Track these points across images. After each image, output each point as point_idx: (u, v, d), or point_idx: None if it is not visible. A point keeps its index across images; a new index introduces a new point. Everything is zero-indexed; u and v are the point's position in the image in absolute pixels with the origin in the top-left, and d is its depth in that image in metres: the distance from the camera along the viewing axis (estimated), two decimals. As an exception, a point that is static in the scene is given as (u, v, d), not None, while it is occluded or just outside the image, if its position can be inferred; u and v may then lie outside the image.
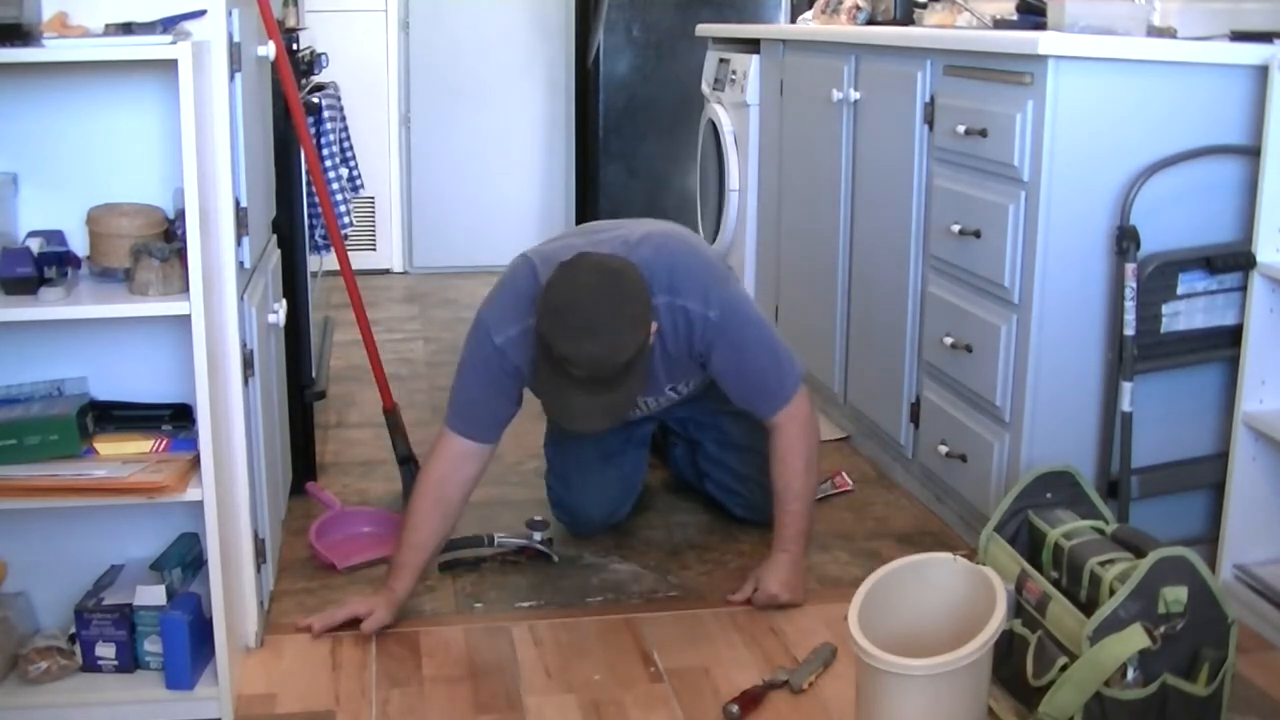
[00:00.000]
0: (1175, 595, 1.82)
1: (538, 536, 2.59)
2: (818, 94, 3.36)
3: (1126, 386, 2.35)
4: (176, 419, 2.08)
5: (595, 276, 2.20)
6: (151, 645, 2.05)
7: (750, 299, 2.52)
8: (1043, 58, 2.29)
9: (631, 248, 2.36)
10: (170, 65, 1.78)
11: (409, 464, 2.84)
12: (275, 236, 2.74)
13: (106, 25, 1.88)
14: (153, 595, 2.05)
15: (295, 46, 3.09)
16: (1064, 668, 1.87)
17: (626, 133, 5.18)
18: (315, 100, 3.04)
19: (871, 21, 3.82)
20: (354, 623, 2.30)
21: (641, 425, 2.75)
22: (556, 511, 2.73)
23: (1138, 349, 2.33)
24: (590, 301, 2.17)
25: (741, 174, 4.02)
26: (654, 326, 2.27)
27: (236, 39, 2.09)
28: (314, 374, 3.02)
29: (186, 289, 1.87)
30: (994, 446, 2.52)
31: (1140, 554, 1.90)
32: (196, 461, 1.93)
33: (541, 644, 2.28)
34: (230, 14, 2.05)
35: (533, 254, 2.41)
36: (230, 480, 2.11)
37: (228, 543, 2.03)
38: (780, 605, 2.39)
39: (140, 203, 2.03)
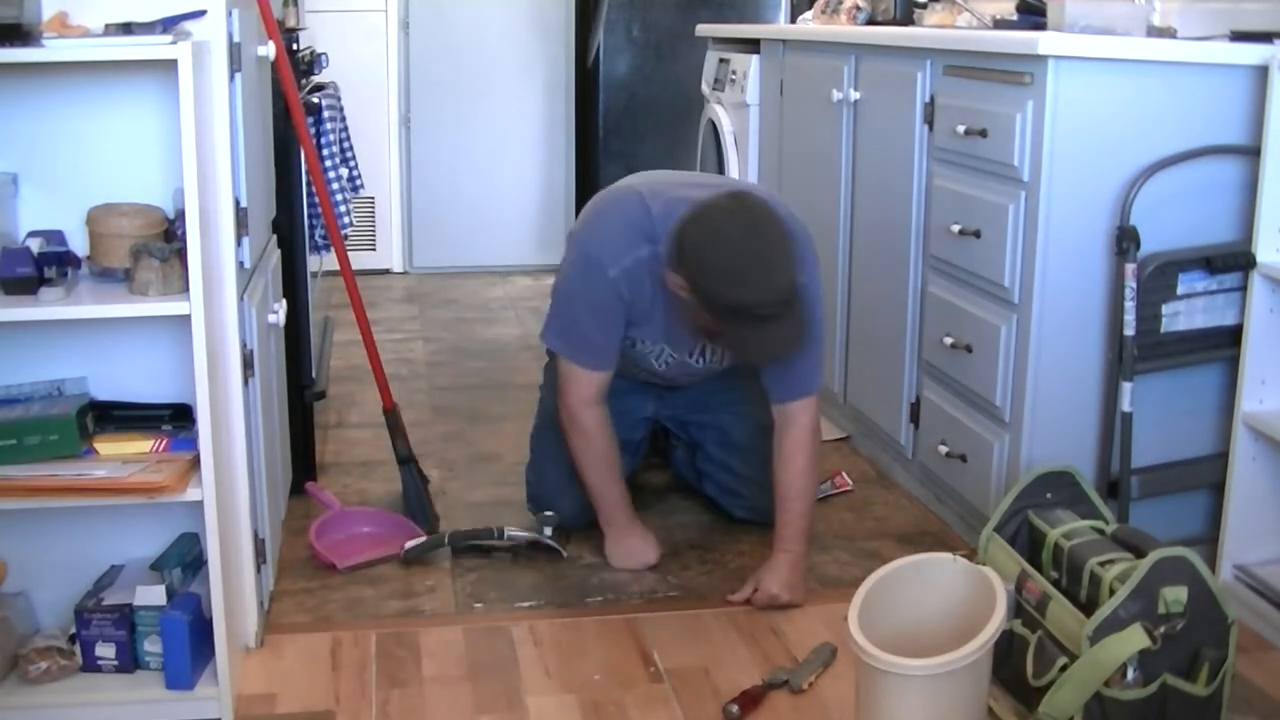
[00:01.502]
0: (1175, 595, 1.82)
1: (548, 531, 2.59)
2: (818, 94, 3.36)
3: (1126, 386, 2.35)
4: (176, 419, 2.08)
5: (735, 221, 2.23)
6: (151, 645, 2.05)
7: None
8: (1043, 58, 2.29)
9: (746, 191, 2.45)
10: (170, 65, 1.78)
11: (409, 464, 2.84)
12: (275, 236, 2.74)
13: (106, 25, 1.88)
14: (153, 595, 2.05)
15: (295, 46, 3.09)
16: (1064, 668, 1.87)
17: (626, 133, 5.18)
18: (315, 100, 3.04)
19: (871, 21, 3.82)
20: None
21: (632, 429, 2.75)
22: (530, 505, 2.73)
23: (1138, 349, 2.33)
24: (751, 243, 2.20)
25: (741, 174, 4.02)
26: None
27: (236, 39, 2.09)
28: (314, 374, 3.02)
29: (186, 289, 1.87)
30: (994, 446, 2.52)
31: (1140, 554, 1.90)
32: (196, 461, 1.93)
33: (541, 644, 2.28)
34: (230, 14, 2.05)
35: (638, 184, 2.48)
36: (230, 480, 2.11)
37: (228, 543, 2.03)
38: (780, 606, 2.40)
39: (140, 203, 2.03)
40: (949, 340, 2.67)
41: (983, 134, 2.50)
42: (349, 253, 2.91)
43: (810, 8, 4.22)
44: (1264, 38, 2.37)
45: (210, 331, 1.92)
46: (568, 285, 2.48)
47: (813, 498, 2.50)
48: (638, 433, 2.78)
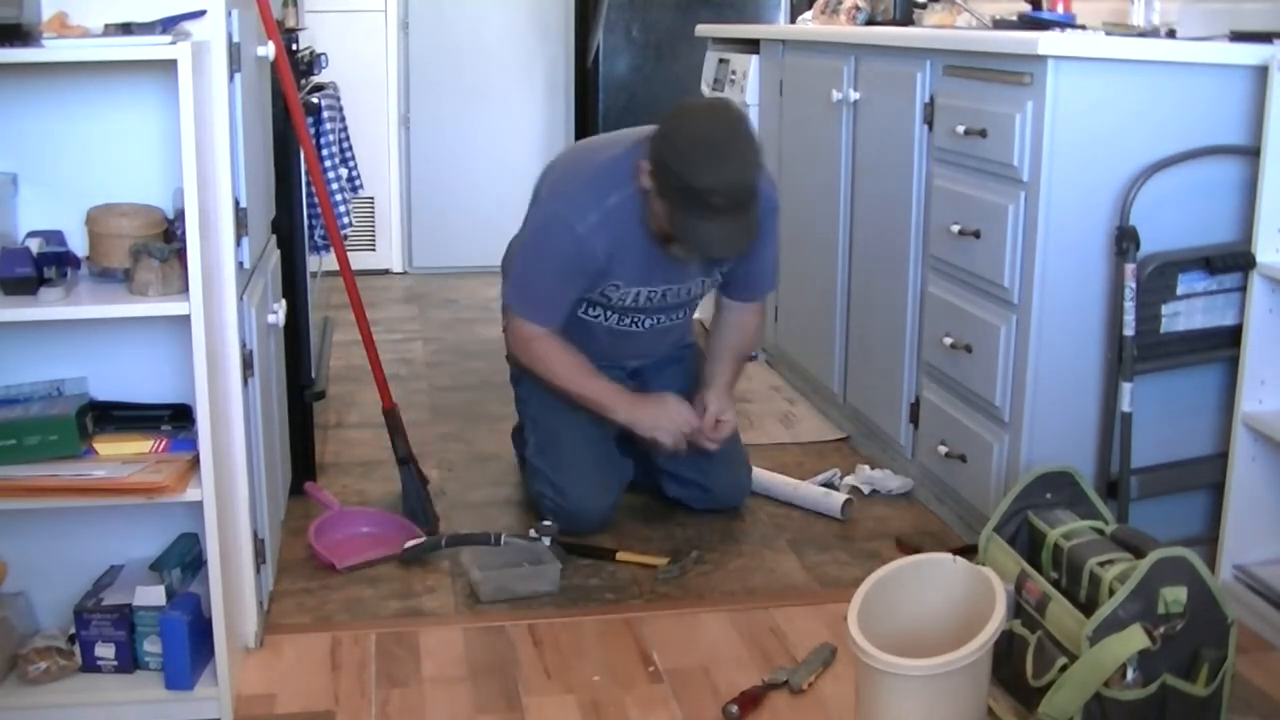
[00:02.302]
0: (1175, 595, 1.82)
1: (546, 540, 2.58)
2: (817, 94, 3.36)
3: (1126, 387, 2.35)
4: (176, 419, 2.08)
5: (710, 113, 2.41)
6: (151, 645, 2.05)
7: None
8: (1042, 58, 2.29)
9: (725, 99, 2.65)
10: (170, 65, 1.78)
11: (408, 464, 2.84)
12: (275, 237, 2.74)
13: (106, 25, 1.88)
14: (152, 595, 2.05)
15: (295, 46, 3.09)
16: (1064, 668, 1.87)
17: (626, 133, 5.17)
18: (315, 100, 3.03)
19: (871, 22, 3.82)
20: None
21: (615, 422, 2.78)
22: (558, 521, 2.71)
23: (1137, 349, 2.33)
24: (718, 132, 2.34)
25: (741, 174, 4.02)
26: None
27: (236, 39, 2.09)
28: (314, 374, 3.02)
29: (186, 289, 1.87)
30: (994, 447, 2.52)
31: (1140, 554, 1.90)
32: (196, 462, 1.93)
33: (541, 644, 2.28)
34: (230, 14, 2.05)
35: (579, 146, 2.70)
36: (230, 480, 2.11)
37: (227, 543, 2.03)
38: (719, 429, 2.66)
39: (140, 203, 2.03)
40: (949, 340, 2.67)
41: (982, 134, 2.50)
42: (348, 253, 2.91)
43: (810, 8, 4.22)
44: (1264, 38, 2.37)
45: (210, 332, 1.92)
46: (531, 242, 2.58)
47: (741, 364, 2.80)
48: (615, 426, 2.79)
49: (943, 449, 2.72)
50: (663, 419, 2.64)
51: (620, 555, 2.59)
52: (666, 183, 2.34)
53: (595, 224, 2.47)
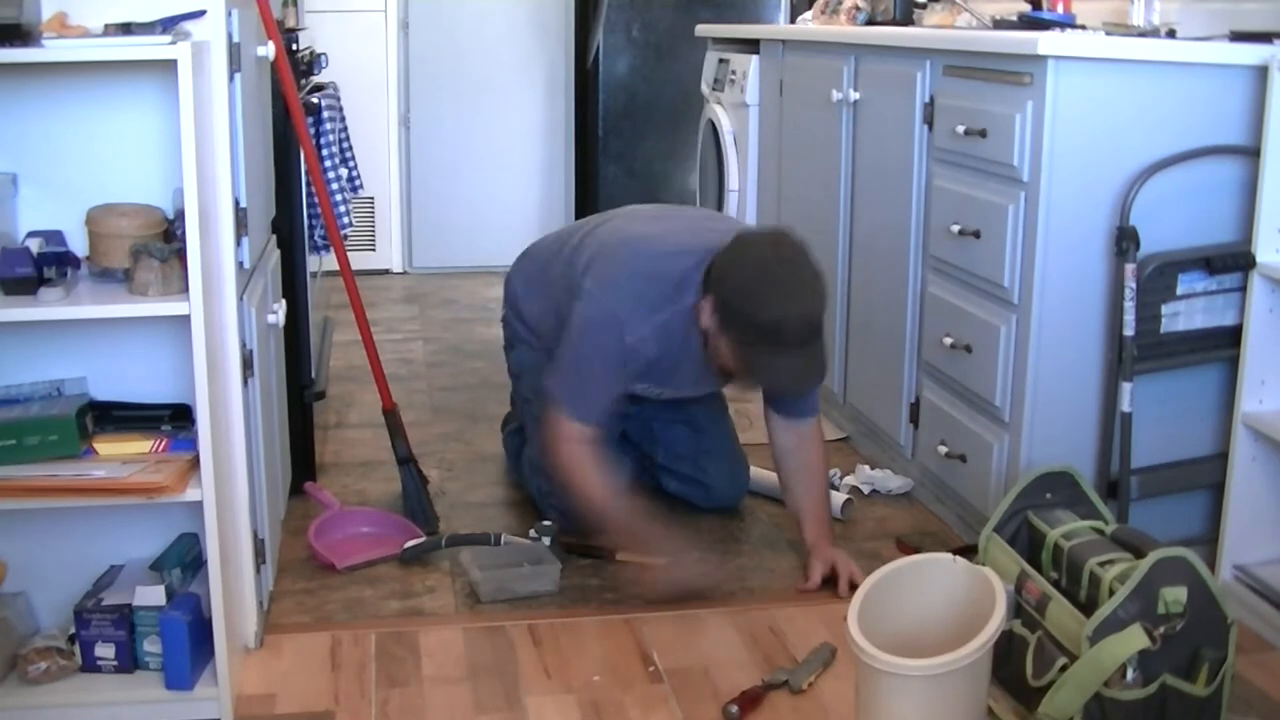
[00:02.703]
0: (1175, 596, 1.82)
1: (546, 541, 2.58)
2: (817, 94, 3.36)
3: (1126, 387, 2.35)
4: (176, 419, 2.08)
5: (772, 245, 2.34)
6: (151, 645, 2.05)
7: None
8: (1042, 58, 2.29)
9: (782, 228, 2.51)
10: (170, 65, 1.78)
11: (408, 464, 2.84)
12: (275, 237, 2.74)
13: (106, 25, 1.88)
14: (152, 595, 2.05)
15: (295, 46, 3.09)
16: (1064, 668, 1.87)
17: (626, 133, 5.18)
18: (315, 100, 3.03)
19: (871, 22, 3.82)
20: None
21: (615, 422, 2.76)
22: (560, 520, 2.70)
23: (1137, 349, 2.33)
24: (781, 265, 2.29)
25: (741, 174, 4.02)
26: None
27: (236, 39, 2.09)
28: (313, 374, 3.02)
29: (186, 289, 1.87)
30: (994, 447, 2.52)
31: (1140, 554, 1.90)
32: (196, 462, 1.93)
33: (541, 644, 2.28)
34: (230, 14, 2.05)
35: (632, 235, 2.51)
36: (230, 480, 2.11)
37: (227, 543, 2.03)
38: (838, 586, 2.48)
39: (140, 203, 2.03)
40: (949, 340, 2.67)
41: (982, 134, 2.50)
42: (348, 253, 2.91)
43: (810, 8, 4.22)
44: (1264, 38, 2.37)
45: (210, 332, 1.91)
46: (580, 341, 2.44)
47: (823, 497, 2.60)
48: (615, 426, 2.78)
49: (943, 449, 2.72)
50: (679, 575, 2.44)
51: (620, 555, 2.59)
52: (731, 320, 2.29)
53: (645, 337, 2.41)
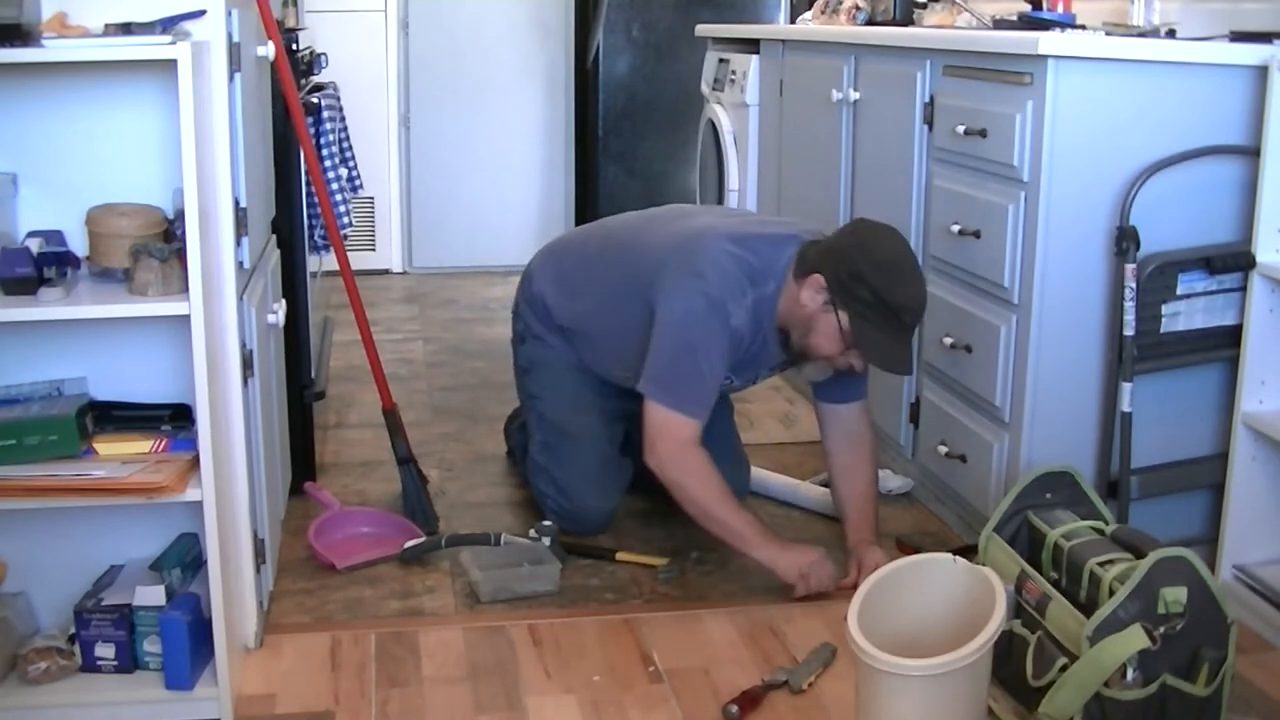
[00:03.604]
0: (1175, 596, 1.82)
1: (546, 541, 2.58)
2: (817, 94, 3.36)
3: (1126, 387, 2.35)
4: (176, 419, 2.08)
5: (893, 235, 2.40)
6: (151, 645, 2.05)
7: None
8: (1042, 58, 2.29)
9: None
10: (170, 65, 1.78)
11: (408, 464, 2.84)
12: (275, 237, 2.74)
13: (106, 25, 1.88)
14: (152, 595, 2.05)
15: (295, 46, 3.09)
16: (1064, 668, 1.87)
17: (626, 133, 5.18)
18: (314, 100, 3.03)
19: (871, 22, 3.82)
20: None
21: (613, 425, 2.77)
22: (560, 521, 2.70)
23: (1137, 349, 2.33)
24: (907, 254, 2.36)
25: (741, 174, 4.02)
26: None
27: (236, 39, 2.09)
28: (313, 374, 3.02)
29: (186, 289, 1.87)
30: (994, 447, 2.52)
31: (1140, 554, 1.90)
32: (196, 462, 1.93)
33: (541, 644, 2.28)
34: (230, 14, 2.05)
35: (714, 236, 2.48)
36: (230, 480, 2.11)
37: (227, 543, 2.03)
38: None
39: (140, 203, 2.03)
40: (949, 340, 2.67)
41: (982, 134, 2.50)
42: (348, 253, 2.91)
43: (810, 8, 4.22)
44: (1264, 38, 2.37)
45: (210, 332, 1.91)
46: (685, 332, 2.41)
47: (872, 488, 2.63)
48: (619, 428, 2.79)
49: (943, 449, 2.72)
50: (806, 569, 2.43)
51: (620, 555, 2.59)
52: (855, 296, 2.31)
53: (743, 321, 2.42)
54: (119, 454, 1.99)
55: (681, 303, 2.42)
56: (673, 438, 2.42)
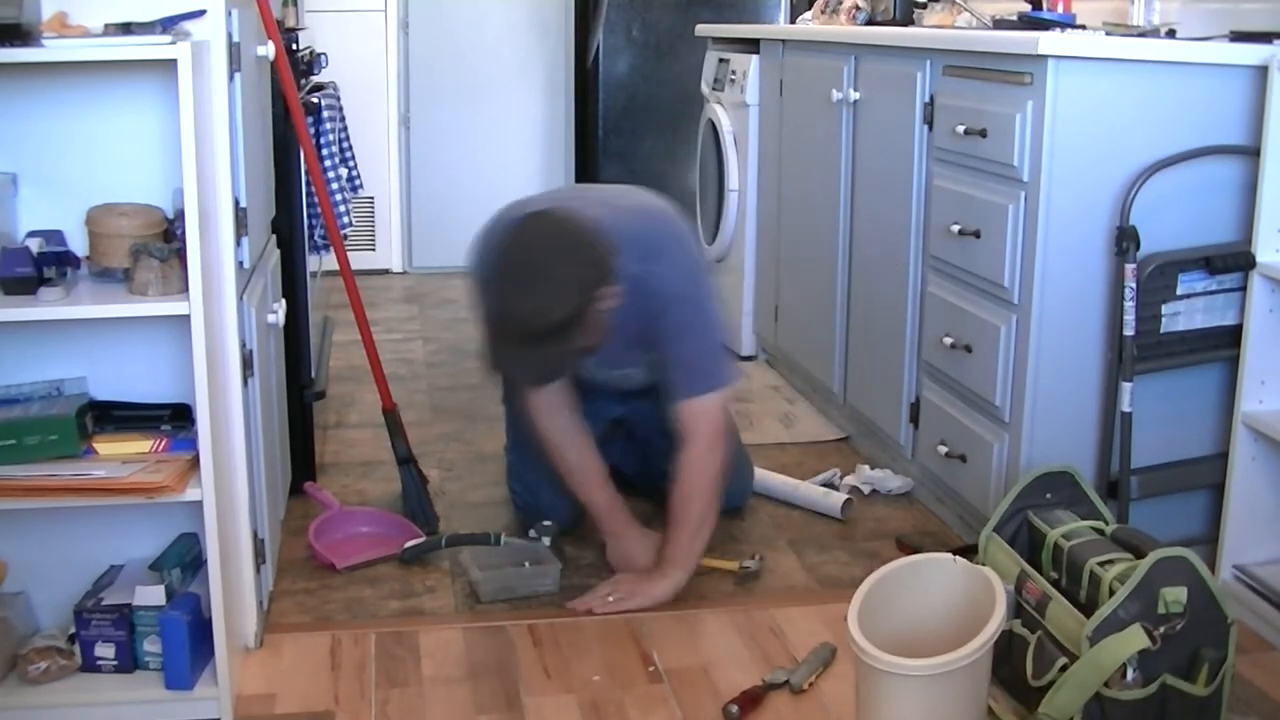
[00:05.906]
0: (1175, 595, 1.82)
1: (545, 540, 2.58)
2: (817, 94, 3.36)
3: (1126, 387, 2.35)
4: (176, 419, 2.08)
5: (542, 236, 2.21)
6: (151, 645, 2.05)
7: (717, 300, 2.49)
8: (1042, 58, 2.29)
9: (617, 212, 2.38)
10: (170, 65, 1.78)
11: (408, 464, 2.84)
12: (275, 236, 2.74)
13: (106, 25, 1.88)
14: (152, 595, 2.05)
15: (295, 46, 3.09)
16: (1064, 668, 1.87)
17: (626, 133, 5.18)
18: (314, 100, 3.03)
19: (871, 21, 3.82)
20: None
21: (599, 424, 2.73)
22: (522, 515, 2.70)
23: (1137, 349, 2.33)
24: (529, 260, 2.17)
25: (741, 174, 4.02)
26: (609, 291, 2.22)
27: (236, 39, 2.09)
28: (313, 374, 3.02)
29: (186, 289, 1.87)
30: (994, 447, 2.52)
31: (1140, 554, 1.90)
32: (196, 461, 1.93)
33: (541, 644, 2.28)
34: (230, 14, 2.05)
35: (515, 203, 2.50)
36: (229, 480, 2.11)
37: (227, 543, 2.03)
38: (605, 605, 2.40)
39: (139, 203, 2.03)
40: (949, 340, 2.67)
41: (982, 134, 2.50)
42: (348, 253, 2.91)
43: (810, 8, 4.22)
44: (1264, 38, 2.37)
45: (209, 331, 1.92)
46: (708, 306, 2.42)
47: (699, 505, 2.41)
48: (601, 429, 2.76)
49: (943, 449, 2.72)
50: (625, 566, 2.50)
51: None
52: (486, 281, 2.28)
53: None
54: (119, 454, 1.99)
55: (701, 291, 2.41)
56: (726, 412, 2.44)
